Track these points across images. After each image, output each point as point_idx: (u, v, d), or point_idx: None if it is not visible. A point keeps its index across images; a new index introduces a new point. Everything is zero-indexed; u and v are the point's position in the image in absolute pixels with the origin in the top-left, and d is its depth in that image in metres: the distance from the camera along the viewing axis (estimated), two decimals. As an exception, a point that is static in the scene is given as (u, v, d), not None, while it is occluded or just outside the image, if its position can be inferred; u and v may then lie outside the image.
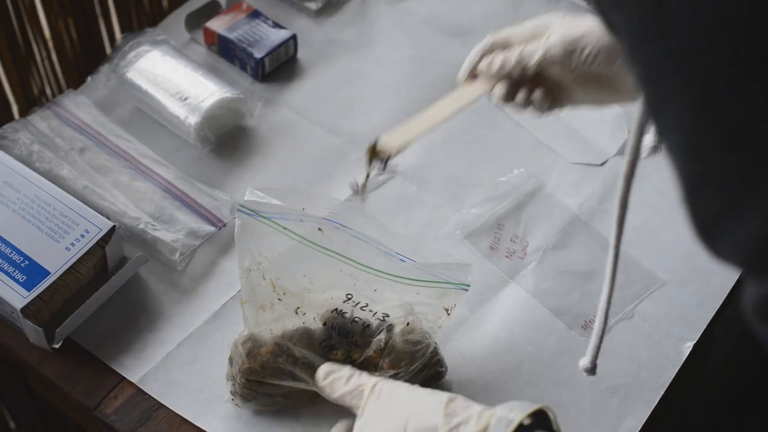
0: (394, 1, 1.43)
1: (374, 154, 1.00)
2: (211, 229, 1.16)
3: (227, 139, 1.26)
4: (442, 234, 1.18)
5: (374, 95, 1.32)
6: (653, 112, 0.56)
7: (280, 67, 1.34)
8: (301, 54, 1.36)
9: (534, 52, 0.98)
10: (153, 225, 1.15)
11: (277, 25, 1.34)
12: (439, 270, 1.00)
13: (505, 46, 1.02)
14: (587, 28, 0.95)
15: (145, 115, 1.27)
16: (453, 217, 1.19)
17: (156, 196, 1.18)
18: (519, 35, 1.01)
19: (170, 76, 1.26)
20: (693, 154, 0.54)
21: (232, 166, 1.24)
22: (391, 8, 1.43)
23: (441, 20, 1.41)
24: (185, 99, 1.24)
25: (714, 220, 0.55)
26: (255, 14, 1.35)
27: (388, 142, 1.00)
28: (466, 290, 1.00)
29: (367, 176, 1.01)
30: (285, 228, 0.97)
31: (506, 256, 1.16)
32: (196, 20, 1.38)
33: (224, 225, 1.17)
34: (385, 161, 1.00)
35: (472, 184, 1.23)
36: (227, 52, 1.34)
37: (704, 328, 1.10)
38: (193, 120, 1.22)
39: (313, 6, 1.40)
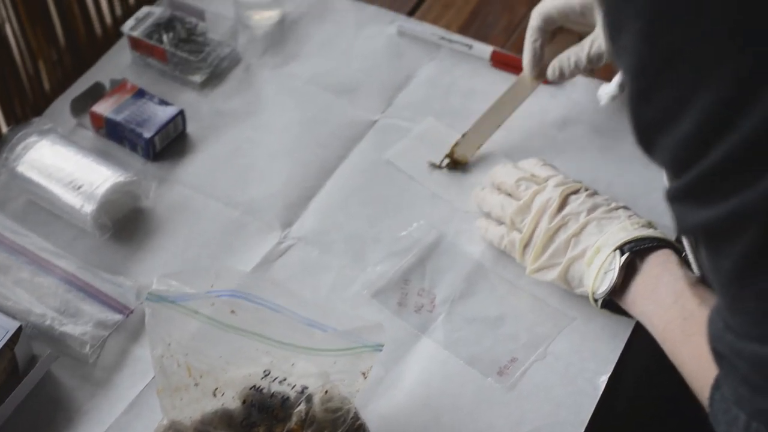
0: (277, 65, 1.45)
1: (455, 163, 1.30)
2: (118, 317, 1.15)
3: (125, 223, 1.26)
4: (349, 295, 1.19)
5: (267, 162, 1.33)
6: (611, 40, 0.67)
7: (170, 144, 1.34)
8: (191, 128, 1.36)
9: (601, 56, 1.24)
10: (60, 320, 1.14)
11: (163, 102, 1.35)
12: (353, 335, 1.01)
13: (553, 26, 1.28)
14: None
15: (39, 208, 1.26)
16: (358, 277, 1.20)
17: (60, 289, 1.17)
18: (567, 20, 1.27)
19: (62, 166, 1.26)
20: (639, 73, 0.66)
21: (133, 251, 1.24)
22: (274, 73, 1.44)
23: (325, 80, 1.43)
24: (79, 188, 1.23)
25: (654, 128, 0.67)
26: (140, 93, 1.35)
27: (463, 149, 1.30)
28: (381, 350, 1.01)
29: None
30: (196, 311, 0.97)
31: (415, 311, 1.17)
32: (81, 105, 1.37)
33: (131, 312, 1.16)
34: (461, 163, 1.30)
35: (374, 241, 1.24)
36: (116, 135, 1.33)
37: (617, 359, 1.12)
38: (89, 208, 1.22)
39: (198, 79, 1.41)
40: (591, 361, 1.13)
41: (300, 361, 0.99)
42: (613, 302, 1.09)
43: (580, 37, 1.29)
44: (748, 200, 0.64)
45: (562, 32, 1.31)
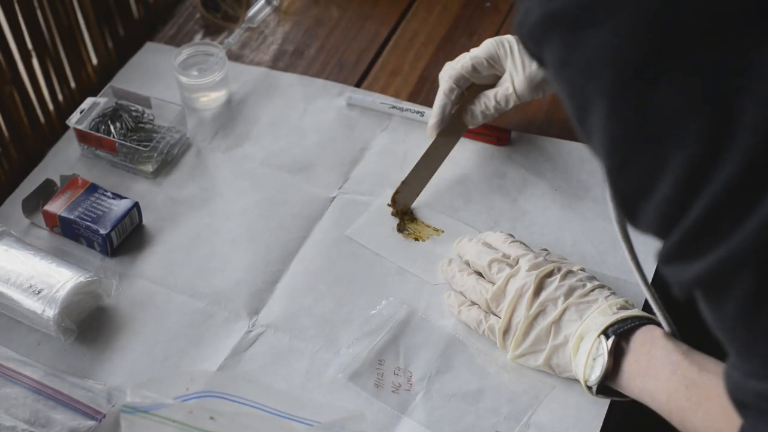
0: (229, 147, 1.43)
1: (397, 212, 1.33)
2: (91, 423, 1.12)
3: (89, 323, 1.23)
4: (325, 381, 1.17)
5: (228, 249, 1.31)
6: (579, 122, 0.69)
7: (128, 239, 1.32)
8: (147, 220, 1.34)
9: (509, 99, 1.33)
10: (31, 431, 1.11)
11: (117, 196, 1.32)
12: (336, 427, 0.99)
13: (466, 85, 1.36)
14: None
15: (-1, 315, 1.24)
16: (332, 360, 1.18)
17: (28, 399, 1.14)
18: (477, 76, 1.35)
19: (19, 270, 1.23)
20: (612, 149, 0.67)
21: (99, 351, 1.21)
22: (227, 156, 1.42)
23: (279, 159, 1.41)
24: (39, 292, 1.21)
25: (634, 197, 0.68)
26: (92, 188, 1.33)
27: (404, 198, 1.33)
28: (364, 438, 1.00)
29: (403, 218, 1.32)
30: (172, 420, 0.95)
31: (393, 391, 1.15)
32: (33, 203, 1.35)
33: (104, 416, 1.13)
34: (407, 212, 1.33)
35: (344, 322, 1.22)
36: (71, 233, 1.31)
37: (600, 425, 1.11)
38: (50, 312, 1.19)
39: (149, 168, 1.39)
40: (574, 429, 1.11)
41: (285, 460, 0.97)
42: (606, 386, 1.09)
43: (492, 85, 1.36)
44: (735, 246, 0.65)
45: (474, 85, 1.37)
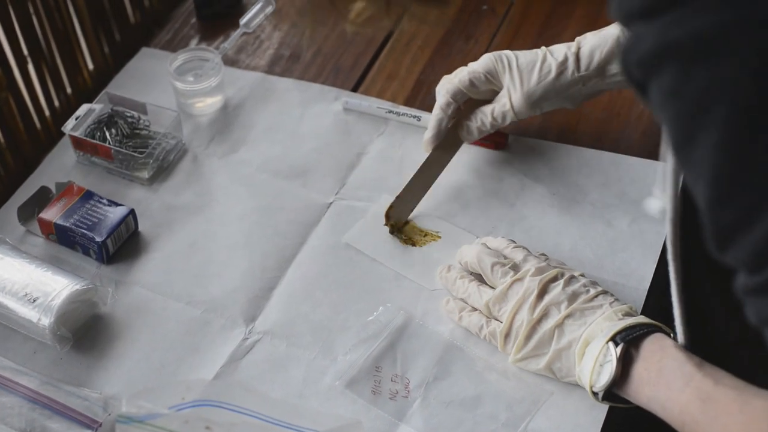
0: (225, 153, 1.43)
1: (392, 227, 1.31)
2: (87, 432, 1.12)
3: (85, 331, 1.23)
4: (322, 388, 1.16)
5: (225, 255, 1.30)
6: (679, 150, 0.70)
7: (124, 246, 1.31)
8: (143, 226, 1.33)
9: (505, 115, 1.32)
10: (26, 441, 1.11)
11: (112, 203, 1.32)
12: (331, 436, 0.99)
13: (463, 100, 1.35)
14: (544, 84, 1.30)
15: (-6, 324, 1.23)
16: (329, 368, 1.18)
17: (24, 408, 1.13)
18: (475, 91, 1.34)
19: (14, 278, 1.23)
20: (716, 182, 0.68)
21: (95, 359, 1.20)
22: (223, 162, 1.42)
23: (276, 165, 1.41)
24: (34, 300, 1.20)
25: (730, 230, 0.69)
26: (88, 195, 1.33)
27: (398, 213, 1.32)
28: (361, 447, 1.00)
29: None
30: (169, 430, 0.95)
31: (390, 398, 1.15)
32: (28, 211, 1.34)
33: (100, 425, 1.12)
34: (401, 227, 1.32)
35: (341, 329, 1.22)
36: (67, 240, 1.30)
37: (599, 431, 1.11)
38: (46, 321, 1.19)
39: (145, 174, 1.38)
40: (573, 436, 1.11)
41: (281, 470, 0.97)
42: (612, 393, 1.08)
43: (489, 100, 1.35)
44: None
45: (471, 100, 1.36)
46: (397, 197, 1.32)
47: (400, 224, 1.31)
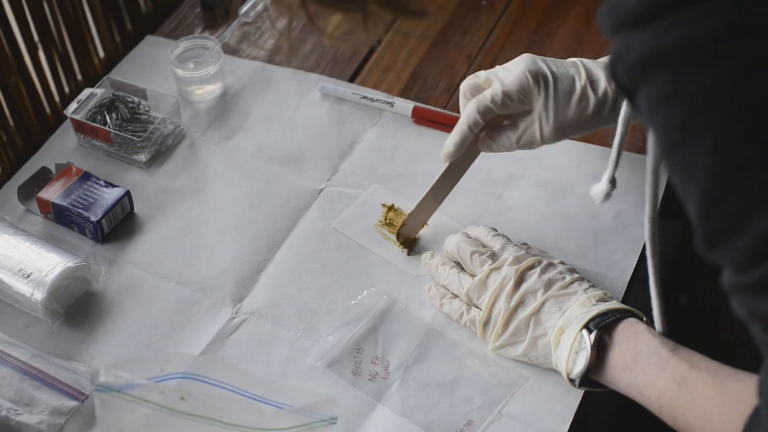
0: (222, 139, 1.46)
1: (403, 243, 1.30)
2: (74, 403, 1.15)
3: (77, 307, 1.26)
4: (304, 368, 1.19)
5: (216, 238, 1.33)
6: (670, 155, 0.71)
7: (119, 226, 1.35)
8: (138, 208, 1.37)
9: (532, 143, 1.21)
10: (15, 410, 1.14)
11: (109, 184, 1.35)
12: (306, 410, 1.01)
13: (492, 116, 1.22)
14: (579, 120, 1.19)
15: (-11, 297, 1.27)
16: (312, 348, 1.21)
17: (14, 379, 1.17)
18: (505, 105, 1.20)
19: (10, 254, 1.26)
20: (709, 185, 0.68)
21: (86, 335, 1.24)
22: (219, 147, 1.45)
23: (271, 152, 1.44)
24: (28, 275, 1.24)
25: (721, 232, 0.69)
26: (86, 176, 1.36)
27: (409, 230, 1.31)
28: (335, 423, 1.02)
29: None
30: (144, 399, 0.97)
31: (369, 379, 1.18)
32: (28, 190, 1.38)
33: (86, 397, 1.16)
34: (412, 242, 1.31)
35: (326, 311, 1.24)
36: (64, 219, 1.34)
37: (572, 417, 1.13)
38: (39, 296, 1.22)
39: (143, 158, 1.42)
40: (546, 420, 1.13)
41: (254, 442, 1.00)
42: (589, 379, 1.11)
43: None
44: None
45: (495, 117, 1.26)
46: (410, 215, 1.31)
47: (410, 240, 1.32)
